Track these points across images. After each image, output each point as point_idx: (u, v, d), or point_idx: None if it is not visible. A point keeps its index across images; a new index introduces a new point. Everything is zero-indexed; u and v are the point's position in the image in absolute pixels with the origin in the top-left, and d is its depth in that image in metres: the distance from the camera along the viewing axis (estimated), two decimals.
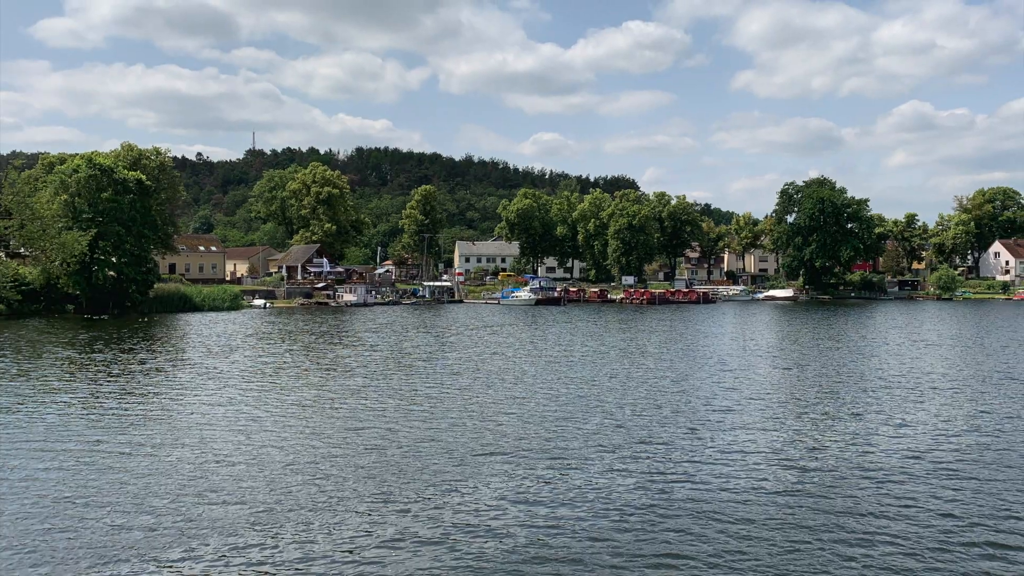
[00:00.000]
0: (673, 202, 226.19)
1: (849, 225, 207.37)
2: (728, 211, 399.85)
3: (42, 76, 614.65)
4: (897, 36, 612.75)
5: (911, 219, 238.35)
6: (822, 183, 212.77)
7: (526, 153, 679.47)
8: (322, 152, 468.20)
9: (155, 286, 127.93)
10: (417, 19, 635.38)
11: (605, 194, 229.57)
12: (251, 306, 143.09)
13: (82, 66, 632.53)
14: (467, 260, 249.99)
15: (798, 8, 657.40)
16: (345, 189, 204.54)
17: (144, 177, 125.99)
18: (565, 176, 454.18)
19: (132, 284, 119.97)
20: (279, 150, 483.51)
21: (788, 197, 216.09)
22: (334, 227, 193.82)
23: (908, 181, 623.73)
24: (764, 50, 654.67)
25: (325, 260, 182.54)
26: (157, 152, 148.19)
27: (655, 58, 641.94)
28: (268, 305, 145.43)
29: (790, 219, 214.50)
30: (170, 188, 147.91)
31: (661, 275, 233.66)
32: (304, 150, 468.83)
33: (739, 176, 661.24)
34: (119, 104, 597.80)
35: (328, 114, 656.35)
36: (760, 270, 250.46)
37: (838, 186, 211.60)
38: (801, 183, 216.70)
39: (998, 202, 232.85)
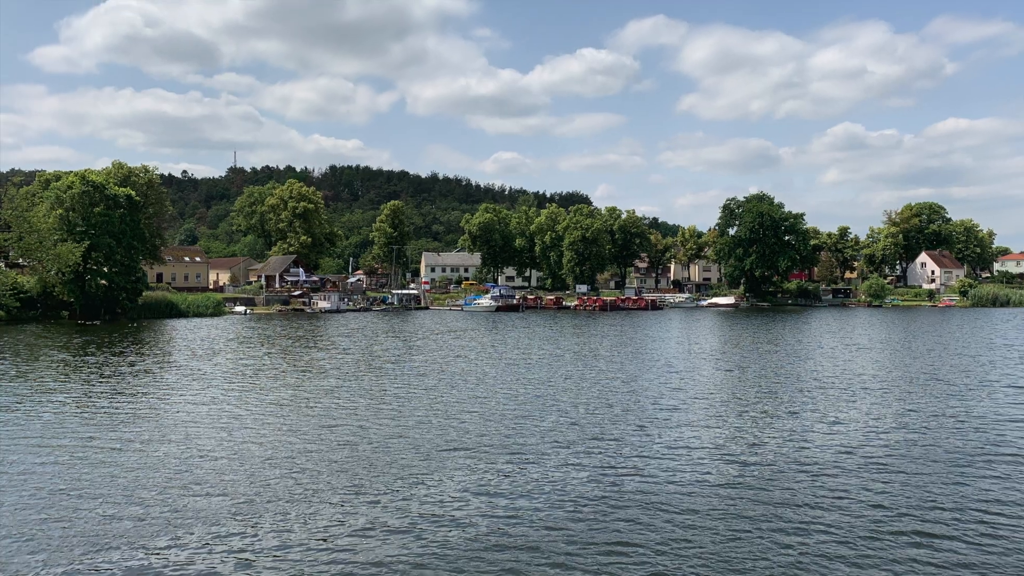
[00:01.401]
0: (623, 216, 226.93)
1: (787, 237, 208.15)
2: (674, 224, 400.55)
3: (39, 99, 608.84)
4: (831, 62, 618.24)
5: (844, 232, 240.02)
6: (761, 199, 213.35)
7: (487, 171, 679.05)
8: (298, 169, 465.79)
9: (143, 294, 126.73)
10: (386, 47, 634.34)
11: (560, 209, 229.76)
12: (232, 313, 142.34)
13: (76, 90, 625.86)
14: (432, 270, 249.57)
15: (738, 37, 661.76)
16: (319, 204, 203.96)
17: (133, 193, 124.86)
18: (523, 192, 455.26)
19: (122, 292, 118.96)
20: (258, 168, 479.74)
21: (730, 211, 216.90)
22: (309, 239, 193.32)
23: (841, 196, 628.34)
24: (707, 75, 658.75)
25: (301, 270, 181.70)
26: (145, 170, 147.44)
27: (607, 83, 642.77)
28: (248, 312, 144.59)
29: (732, 232, 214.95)
30: (157, 203, 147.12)
31: (612, 283, 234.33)
32: (281, 168, 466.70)
33: (684, 192, 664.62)
34: (110, 125, 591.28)
35: (304, 134, 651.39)
36: (704, 279, 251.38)
37: (776, 201, 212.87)
38: (742, 198, 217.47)
39: (924, 216, 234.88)
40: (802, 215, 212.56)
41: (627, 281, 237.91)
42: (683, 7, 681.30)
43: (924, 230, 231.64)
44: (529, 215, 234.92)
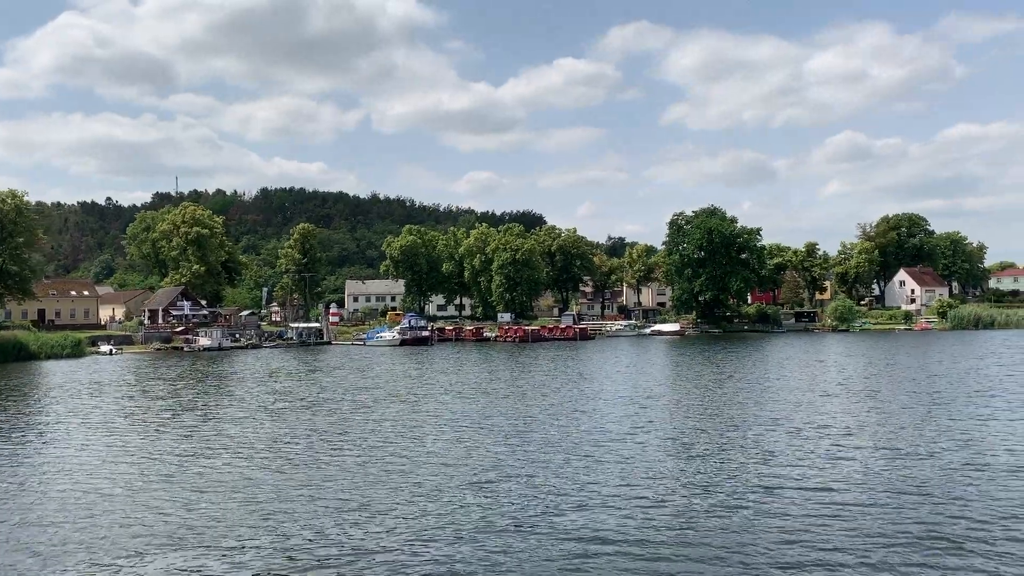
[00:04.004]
0: (563, 235, 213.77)
1: (741, 255, 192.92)
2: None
3: None
4: (829, 66, 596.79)
5: (811, 248, 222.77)
6: (712, 213, 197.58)
7: (460, 191, 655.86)
8: (228, 193, 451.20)
9: None
10: (352, 62, 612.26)
11: (491, 228, 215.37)
12: (97, 353, 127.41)
13: (24, 116, 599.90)
14: (356, 300, 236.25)
15: (729, 41, 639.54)
16: (217, 228, 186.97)
17: None
18: (469, 211, 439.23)
19: None
20: (185, 192, 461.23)
21: (677, 228, 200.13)
22: (203, 268, 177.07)
23: (845, 209, 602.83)
24: (696, 83, 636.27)
25: (188, 303, 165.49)
26: (13, 195, 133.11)
27: (587, 94, 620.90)
28: (115, 352, 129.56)
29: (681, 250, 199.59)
30: (26, 232, 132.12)
31: (556, 310, 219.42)
32: (211, 192, 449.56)
33: (673, 209, 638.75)
34: (61, 152, 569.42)
35: (264, 158, 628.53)
36: (659, 303, 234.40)
37: (729, 216, 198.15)
38: (691, 213, 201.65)
39: (904, 229, 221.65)
40: (757, 231, 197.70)
41: (569, 307, 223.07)
42: (666, 11, 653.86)
43: (904, 245, 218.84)
44: (458, 236, 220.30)
